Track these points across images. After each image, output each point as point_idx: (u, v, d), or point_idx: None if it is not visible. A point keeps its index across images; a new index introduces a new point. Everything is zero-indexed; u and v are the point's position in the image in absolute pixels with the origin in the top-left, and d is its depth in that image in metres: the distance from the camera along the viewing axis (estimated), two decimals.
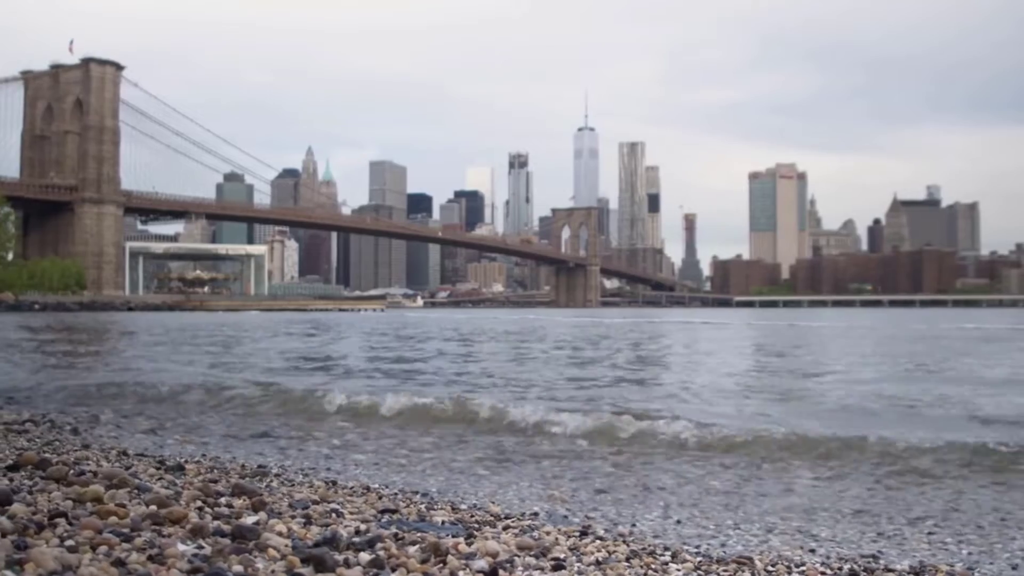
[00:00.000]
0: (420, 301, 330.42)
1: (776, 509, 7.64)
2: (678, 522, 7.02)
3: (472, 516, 6.42)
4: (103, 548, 4.00)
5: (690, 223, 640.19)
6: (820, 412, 14.42)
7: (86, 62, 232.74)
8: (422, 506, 6.77)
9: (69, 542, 4.02)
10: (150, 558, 3.85)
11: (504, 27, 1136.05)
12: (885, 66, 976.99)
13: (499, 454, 10.53)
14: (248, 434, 12.16)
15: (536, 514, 6.68)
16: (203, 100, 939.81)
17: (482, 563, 4.35)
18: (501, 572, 4.21)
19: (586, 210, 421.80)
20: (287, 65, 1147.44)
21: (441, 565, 4.28)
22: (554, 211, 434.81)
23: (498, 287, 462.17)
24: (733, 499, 8.09)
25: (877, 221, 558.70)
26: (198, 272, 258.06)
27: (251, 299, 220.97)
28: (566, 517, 6.78)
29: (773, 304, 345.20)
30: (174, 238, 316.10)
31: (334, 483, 7.93)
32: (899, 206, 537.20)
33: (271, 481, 7.81)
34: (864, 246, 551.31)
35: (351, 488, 7.62)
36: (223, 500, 6.04)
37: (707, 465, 9.79)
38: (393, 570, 4.10)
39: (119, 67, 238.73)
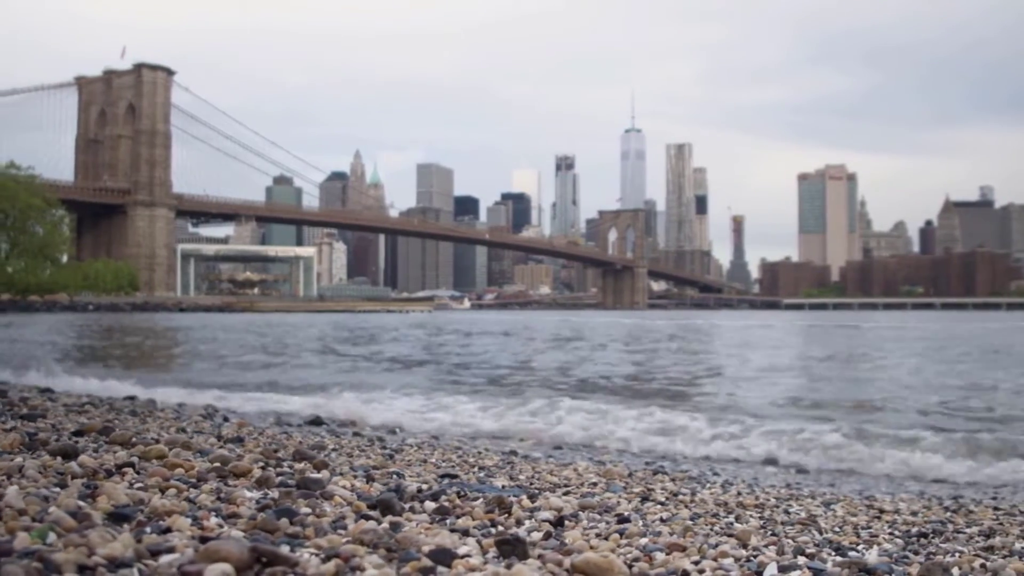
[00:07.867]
0: (467, 303, 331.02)
1: None
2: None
3: (532, 484, 6.38)
4: (171, 491, 4.01)
5: (738, 225, 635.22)
6: None
7: (138, 67, 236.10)
8: (481, 474, 6.74)
9: (139, 486, 4.03)
10: (219, 498, 3.85)
11: (547, 27, 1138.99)
12: (937, 65, 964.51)
13: None
14: None
15: (595, 483, 6.62)
16: (251, 105, 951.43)
17: (547, 514, 4.31)
18: (567, 522, 4.16)
19: (633, 212, 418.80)
20: (333, 70, 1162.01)
21: (506, 515, 4.24)
22: (601, 213, 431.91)
23: (545, 289, 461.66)
24: None
25: (929, 223, 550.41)
26: (248, 274, 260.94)
27: (300, 300, 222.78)
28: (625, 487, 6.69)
29: (823, 307, 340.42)
30: (224, 240, 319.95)
31: (391, 455, 7.94)
32: (951, 207, 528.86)
33: (329, 453, 7.82)
34: (915, 248, 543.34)
35: (408, 460, 7.62)
36: (285, 464, 6.06)
37: None
38: (458, 517, 4.07)
39: (170, 72, 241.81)
